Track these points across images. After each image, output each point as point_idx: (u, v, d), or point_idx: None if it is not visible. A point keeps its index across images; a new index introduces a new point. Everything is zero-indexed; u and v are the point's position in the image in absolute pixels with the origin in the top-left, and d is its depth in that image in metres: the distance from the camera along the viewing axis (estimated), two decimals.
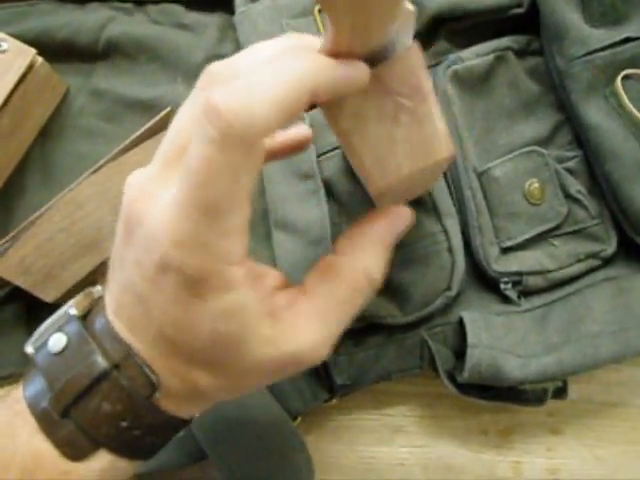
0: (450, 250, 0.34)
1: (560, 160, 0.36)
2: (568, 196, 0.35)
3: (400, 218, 0.24)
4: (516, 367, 0.31)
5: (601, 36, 0.34)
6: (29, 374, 0.21)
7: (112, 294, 0.20)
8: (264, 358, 0.20)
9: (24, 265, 0.34)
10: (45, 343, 0.20)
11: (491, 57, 0.36)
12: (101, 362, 0.19)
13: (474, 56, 0.36)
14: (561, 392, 0.34)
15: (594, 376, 0.37)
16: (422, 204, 0.35)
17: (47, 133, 0.41)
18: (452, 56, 0.36)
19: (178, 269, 0.18)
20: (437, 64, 0.38)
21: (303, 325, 0.20)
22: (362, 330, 0.34)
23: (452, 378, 0.34)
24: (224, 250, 0.18)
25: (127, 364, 0.19)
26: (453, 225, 0.34)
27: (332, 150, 0.35)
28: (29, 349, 0.21)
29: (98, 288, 0.22)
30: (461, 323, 0.34)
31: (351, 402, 0.37)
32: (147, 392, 0.20)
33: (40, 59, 0.38)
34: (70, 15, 0.42)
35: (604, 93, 0.34)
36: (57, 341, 0.20)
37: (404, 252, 0.34)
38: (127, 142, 0.36)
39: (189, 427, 0.34)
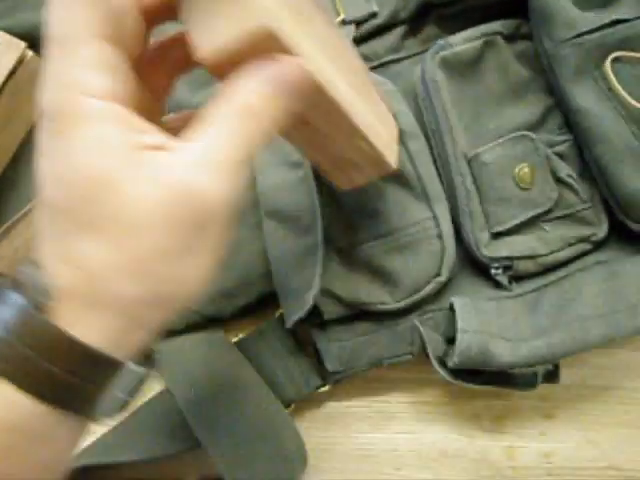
0: (440, 236, 0.34)
1: (550, 144, 0.36)
2: (559, 180, 0.35)
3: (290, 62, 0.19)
4: (506, 351, 0.32)
5: (590, 18, 0.34)
6: None
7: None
8: (145, 198, 0.17)
9: (17, 257, 0.34)
10: None
11: (480, 42, 0.36)
12: (2, 283, 0.18)
13: (463, 41, 0.36)
14: (553, 376, 0.35)
15: (586, 360, 0.37)
16: (411, 189, 0.35)
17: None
18: (440, 42, 0.36)
19: (43, 110, 0.18)
20: (426, 50, 0.37)
21: (182, 164, 0.18)
22: (353, 317, 0.35)
23: (443, 364, 0.34)
24: (79, 80, 0.17)
25: (23, 274, 0.18)
26: (443, 211, 0.34)
27: None
28: None
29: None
30: (452, 309, 0.34)
31: (344, 389, 0.37)
32: (38, 297, 0.17)
33: (30, 53, 0.38)
34: None
35: (593, 76, 0.34)
36: None
37: (393, 238, 0.34)
38: None
39: (183, 415, 0.34)
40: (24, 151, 0.41)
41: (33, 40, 0.39)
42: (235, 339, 0.37)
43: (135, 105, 0.19)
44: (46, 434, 0.18)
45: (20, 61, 0.38)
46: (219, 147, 0.18)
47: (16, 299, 0.17)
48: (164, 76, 0.23)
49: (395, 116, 0.35)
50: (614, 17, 0.34)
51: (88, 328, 0.18)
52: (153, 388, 0.37)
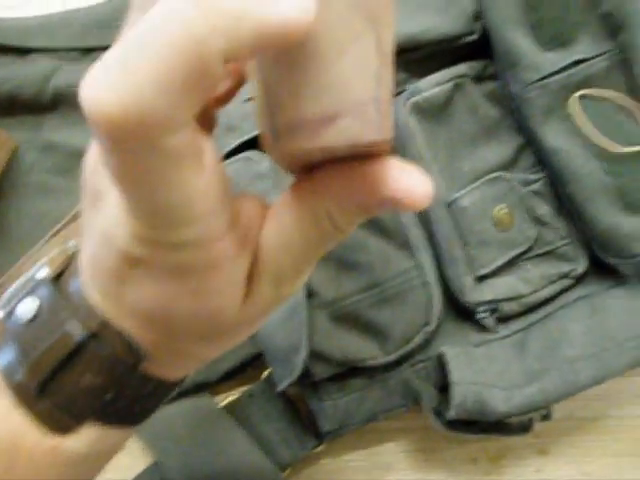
0: (425, 285, 0.34)
1: (525, 183, 0.36)
2: (536, 219, 0.36)
3: (404, 175, 0.16)
4: (501, 400, 0.32)
5: (553, 59, 0.35)
6: (0, 342, 0.19)
7: (85, 257, 0.18)
8: (242, 319, 0.18)
9: None
10: (15, 308, 0.18)
11: (449, 85, 0.36)
12: (77, 331, 0.17)
13: (432, 85, 0.36)
14: (546, 416, 0.35)
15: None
16: (393, 239, 0.34)
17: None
18: (411, 87, 0.36)
19: (148, 259, 0.16)
20: (396, 94, 0.37)
21: (268, 286, 0.18)
22: (344, 374, 0.34)
23: (438, 414, 0.33)
24: (196, 236, 0.16)
25: (106, 332, 0.18)
26: (426, 259, 0.34)
27: None
28: None
29: (73, 243, 0.20)
30: (442, 357, 0.34)
31: (339, 444, 0.37)
32: (132, 360, 0.18)
33: None
34: (11, 67, 0.40)
35: (561, 115, 0.35)
36: (28, 307, 0.18)
37: (379, 290, 0.34)
38: None
39: None
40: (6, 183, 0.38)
41: None
42: (224, 403, 0.36)
43: None
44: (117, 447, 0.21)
45: None
46: (284, 274, 0.18)
47: (108, 355, 0.18)
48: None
49: None
50: (575, 57, 0.35)
51: (173, 374, 0.20)
52: (142, 461, 0.36)
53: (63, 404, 0.18)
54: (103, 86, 0.12)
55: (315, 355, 0.33)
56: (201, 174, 0.15)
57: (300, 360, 0.31)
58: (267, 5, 0.13)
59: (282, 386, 0.32)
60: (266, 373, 0.36)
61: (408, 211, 0.16)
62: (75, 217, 0.34)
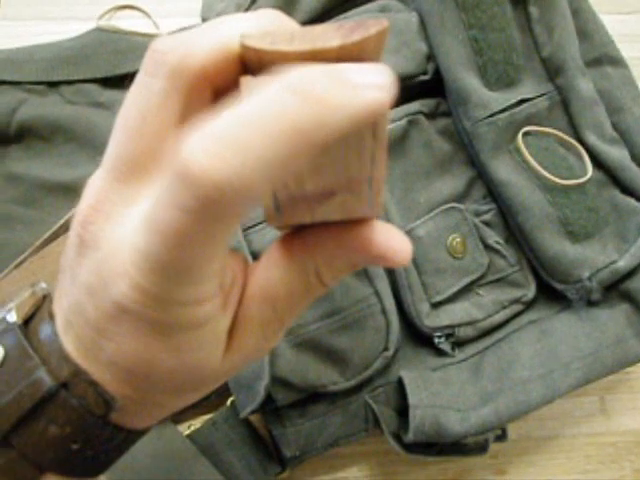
0: (384, 311, 0.35)
1: (477, 213, 0.38)
2: (487, 247, 0.38)
3: (392, 240, 0.18)
4: (457, 422, 0.33)
5: (499, 99, 0.37)
6: None
7: (61, 306, 0.18)
8: (222, 370, 0.19)
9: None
10: None
11: (404, 121, 0.38)
12: (47, 380, 0.17)
13: (388, 122, 0.38)
14: (501, 436, 0.36)
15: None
16: None
17: None
18: None
19: (138, 315, 0.16)
20: None
21: (251, 338, 0.19)
22: (306, 400, 0.35)
23: (397, 438, 0.34)
24: (191, 299, 0.16)
25: (76, 381, 0.17)
26: (384, 286, 0.36)
27: (260, 223, 0.36)
28: None
29: (42, 285, 0.20)
30: (400, 381, 0.35)
31: (302, 471, 0.37)
32: (101, 411, 0.18)
33: None
34: None
35: (508, 150, 0.37)
36: None
37: (340, 318, 0.35)
38: (50, 232, 0.35)
39: None
40: None
41: None
42: (187, 431, 0.36)
43: None
44: None
45: None
46: (272, 330, 0.19)
47: (76, 405, 0.18)
48: None
49: None
50: (520, 97, 0.37)
51: (141, 423, 0.20)
52: None
53: (27, 455, 0.18)
54: (211, 154, 0.13)
55: (277, 381, 0.33)
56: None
57: (263, 387, 0.32)
58: (360, 94, 0.13)
59: (245, 413, 0.33)
60: (229, 401, 0.36)
61: (391, 267, 0.18)
62: (38, 249, 0.35)
